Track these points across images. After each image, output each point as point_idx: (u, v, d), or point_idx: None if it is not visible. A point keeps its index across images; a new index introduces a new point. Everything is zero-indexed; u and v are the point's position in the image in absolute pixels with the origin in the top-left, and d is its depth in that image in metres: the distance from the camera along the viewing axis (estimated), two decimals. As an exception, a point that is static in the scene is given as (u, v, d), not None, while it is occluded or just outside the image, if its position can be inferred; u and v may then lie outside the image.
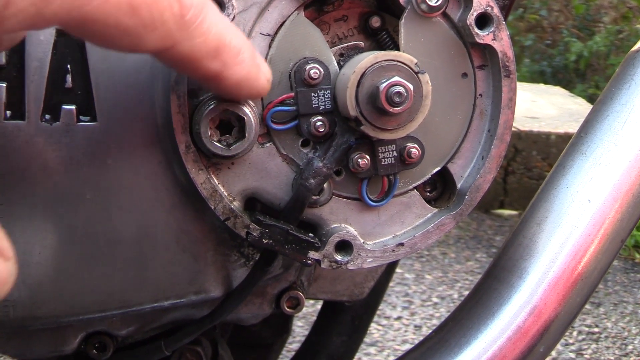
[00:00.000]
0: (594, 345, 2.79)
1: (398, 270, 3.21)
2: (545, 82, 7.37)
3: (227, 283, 0.89)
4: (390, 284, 3.11)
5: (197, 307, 0.93)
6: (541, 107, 4.07)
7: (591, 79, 7.72)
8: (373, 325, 2.83)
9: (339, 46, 0.86)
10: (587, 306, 3.06)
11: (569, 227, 1.00)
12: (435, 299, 3.03)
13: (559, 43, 8.43)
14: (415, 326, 2.84)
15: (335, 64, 0.82)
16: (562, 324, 0.99)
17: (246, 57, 0.68)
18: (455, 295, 3.07)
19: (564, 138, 3.61)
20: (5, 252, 0.57)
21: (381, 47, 0.87)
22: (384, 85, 0.76)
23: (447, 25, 0.85)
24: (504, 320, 0.97)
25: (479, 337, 0.97)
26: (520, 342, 0.97)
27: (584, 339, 2.83)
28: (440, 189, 0.90)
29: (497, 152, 0.86)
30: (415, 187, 0.87)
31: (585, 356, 2.72)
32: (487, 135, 0.86)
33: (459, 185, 0.87)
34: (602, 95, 1.10)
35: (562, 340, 2.79)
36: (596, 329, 2.90)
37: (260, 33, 0.81)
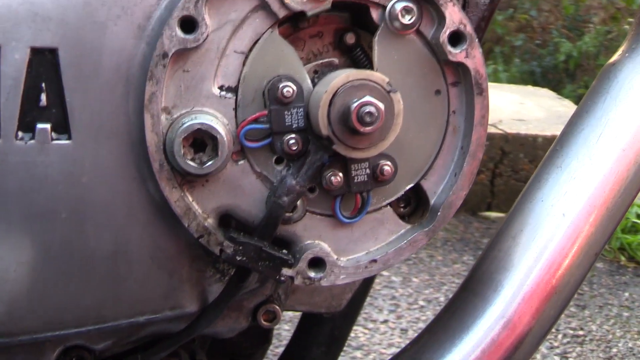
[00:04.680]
0: (578, 348, 2.81)
1: (385, 273, 3.22)
2: (535, 82, 7.39)
3: (203, 298, 0.90)
4: (377, 287, 3.12)
5: (173, 322, 0.93)
6: (529, 110, 4.09)
7: (581, 79, 7.74)
8: (359, 329, 2.84)
9: (314, 63, 0.87)
10: (572, 309, 3.08)
11: (543, 241, 1.01)
12: (421, 302, 3.04)
13: (549, 43, 8.45)
14: (402, 329, 2.85)
15: (309, 82, 0.83)
16: (536, 337, 1.00)
17: None
18: (442, 298, 3.08)
19: (551, 141, 3.61)
20: None
21: (356, 63, 0.88)
22: (355, 105, 0.77)
23: (421, 43, 0.86)
24: (479, 333, 0.98)
25: (453, 350, 0.98)
26: (494, 355, 0.98)
27: (568, 342, 2.84)
28: (414, 204, 0.90)
29: (470, 169, 0.87)
30: (389, 204, 0.88)
31: (570, 359, 2.74)
32: (460, 152, 0.87)
33: (432, 202, 0.88)
34: (578, 108, 1.11)
35: (547, 344, 2.81)
36: (581, 332, 2.91)
37: (234, 51, 0.82)
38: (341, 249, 0.87)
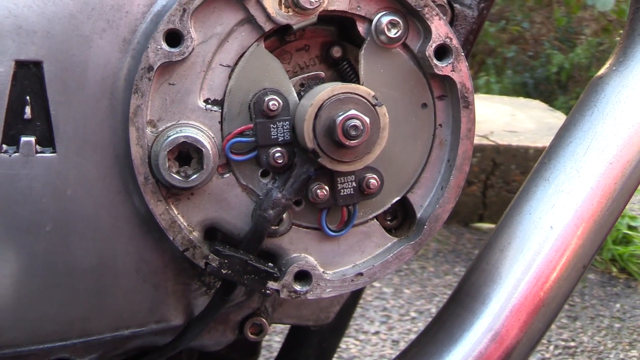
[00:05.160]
0: (570, 360, 2.81)
1: (376, 284, 3.22)
2: (528, 94, 7.41)
3: (189, 311, 0.89)
4: (368, 299, 3.11)
5: (159, 335, 0.93)
6: (520, 121, 4.10)
7: (573, 91, 7.77)
8: (350, 340, 2.83)
9: (300, 76, 0.86)
10: (564, 320, 3.08)
11: (531, 254, 1.01)
12: (413, 314, 3.04)
13: (541, 55, 8.49)
14: (393, 341, 2.85)
15: (295, 95, 0.83)
16: (524, 350, 1.00)
17: None
18: (434, 310, 3.08)
19: (542, 152, 3.63)
20: None
21: (342, 77, 0.88)
22: (341, 118, 0.77)
23: (407, 56, 0.86)
24: (466, 346, 0.98)
25: (441, 363, 0.98)
26: (482, 369, 0.98)
27: (560, 354, 2.84)
28: (401, 218, 0.90)
29: (456, 182, 0.87)
30: (375, 217, 0.87)
31: (562, 371, 2.74)
32: (447, 165, 0.87)
33: (418, 215, 0.88)
34: (566, 121, 1.11)
35: (539, 355, 2.80)
36: (572, 343, 2.91)
37: (220, 64, 0.82)
38: (327, 262, 0.86)
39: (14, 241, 0.82)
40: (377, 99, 0.79)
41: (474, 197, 3.79)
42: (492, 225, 3.86)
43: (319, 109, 0.78)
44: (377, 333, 2.91)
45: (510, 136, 3.85)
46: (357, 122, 0.77)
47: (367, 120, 0.77)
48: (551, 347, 2.88)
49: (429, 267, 3.45)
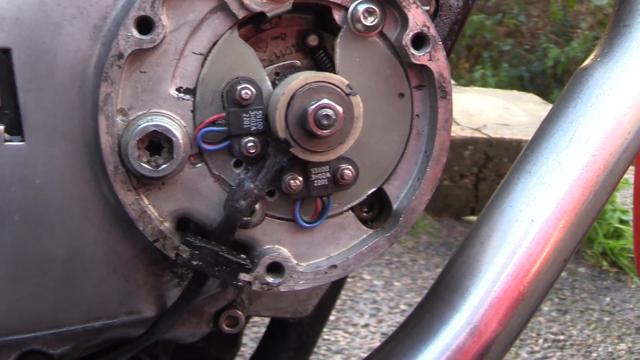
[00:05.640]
0: (559, 353, 2.81)
1: (367, 277, 3.21)
2: (523, 87, 7.40)
3: (161, 303, 0.88)
4: (359, 291, 3.11)
5: (132, 327, 0.92)
6: (513, 114, 4.09)
7: (568, 85, 7.75)
8: (339, 333, 2.82)
9: (275, 65, 0.85)
10: (554, 314, 3.08)
11: (511, 247, 0.99)
12: (403, 306, 3.03)
13: (537, 48, 8.48)
14: (382, 334, 2.84)
15: (269, 84, 0.81)
16: (503, 343, 0.99)
17: None
18: (424, 303, 3.07)
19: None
20: None
21: (319, 65, 0.86)
22: (313, 107, 0.75)
23: (384, 45, 0.84)
24: (445, 340, 0.97)
25: (418, 357, 0.96)
26: (459, 363, 0.96)
27: (549, 347, 2.84)
28: (377, 209, 0.89)
29: (433, 173, 0.85)
30: (351, 208, 0.86)
31: (551, 364, 2.73)
32: (424, 156, 0.86)
33: (394, 207, 0.87)
34: (550, 112, 1.10)
35: (528, 348, 2.80)
36: (562, 337, 2.91)
37: (193, 52, 0.80)
38: (301, 253, 0.85)
39: (-18, 231, 0.80)
40: (351, 88, 0.78)
41: (466, 190, 3.78)
42: (484, 219, 3.85)
43: (292, 97, 0.76)
44: (366, 325, 2.90)
45: (503, 129, 3.84)
46: (330, 112, 0.75)
47: (340, 109, 0.76)
48: (540, 341, 2.88)
49: (420, 259, 3.45)
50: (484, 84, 7.24)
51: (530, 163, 1.05)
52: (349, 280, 3.17)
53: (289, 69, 0.85)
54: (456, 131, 3.77)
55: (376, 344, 2.78)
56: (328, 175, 0.82)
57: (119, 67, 0.77)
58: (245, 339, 2.12)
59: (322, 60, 0.86)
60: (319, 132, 0.75)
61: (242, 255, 0.82)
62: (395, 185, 0.86)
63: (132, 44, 0.77)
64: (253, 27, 0.85)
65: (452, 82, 5.22)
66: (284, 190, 0.81)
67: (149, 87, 0.79)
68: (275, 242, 0.84)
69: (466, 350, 0.97)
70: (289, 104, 0.76)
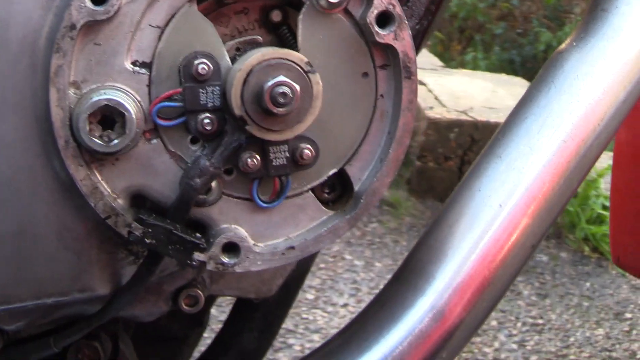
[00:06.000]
0: (536, 337, 2.81)
1: (348, 257, 3.20)
2: (514, 71, 7.37)
3: (115, 281, 0.86)
4: (339, 271, 3.10)
5: (88, 304, 0.90)
6: (501, 98, 4.07)
7: (559, 69, 7.73)
8: (318, 312, 2.82)
9: (237, 40, 0.83)
10: (534, 297, 3.08)
11: (478, 232, 0.98)
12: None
13: (530, 32, 8.44)
14: (361, 314, 2.82)
15: (228, 60, 0.79)
16: (467, 329, 0.98)
17: None
18: (404, 284, 3.06)
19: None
20: None
21: (282, 42, 0.84)
22: (269, 85, 0.73)
23: (349, 23, 0.82)
24: (407, 324, 0.95)
25: (380, 341, 0.95)
26: (421, 347, 0.95)
27: (527, 330, 2.84)
28: (339, 191, 0.87)
29: (395, 155, 0.83)
30: (312, 189, 0.84)
31: (528, 347, 2.74)
32: (387, 138, 0.84)
33: (356, 188, 0.85)
34: (523, 97, 1.08)
35: (506, 331, 2.81)
36: (540, 321, 2.92)
37: (150, 24, 0.78)
38: (259, 234, 0.83)
39: None
40: (311, 66, 0.76)
41: (450, 173, 3.77)
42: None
43: (248, 74, 0.74)
44: (345, 305, 2.90)
45: (489, 112, 3.82)
46: (286, 89, 0.73)
47: (298, 87, 0.74)
48: (519, 324, 2.88)
49: (402, 241, 3.44)
50: (475, 67, 7.20)
51: (501, 147, 1.03)
52: (330, 259, 3.16)
53: (250, 45, 0.82)
54: (442, 113, 3.75)
55: (354, 324, 2.76)
56: (287, 154, 0.80)
57: (71, 38, 0.74)
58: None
59: (285, 36, 0.84)
60: (275, 110, 0.73)
61: (198, 234, 0.80)
62: (357, 166, 0.84)
63: (85, 15, 0.74)
64: (215, 1, 0.82)
65: (441, 64, 5.19)
66: (241, 168, 0.79)
67: (103, 60, 0.77)
68: (233, 221, 0.82)
69: (429, 335, 0.96)
70: (245, 81, 0.74)
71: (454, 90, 4.10)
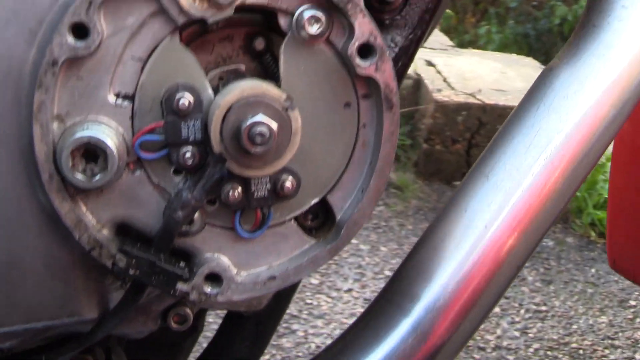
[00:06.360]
0: (539, 324, 2.82)
1: (353, 241, 3.21)
2: (529, 45, 7.29)
3: (103, 305, 0.88)
4: (344, 255, 3.11)
5: (80, 324, 0.92)
6: (510, 79, 4.04)
7: (574, 43, 7.64)
8: (322, 297, 2.84)
9: (219, 69, 0.83)
10: (538, 284, 3.09)
11: (463, 253, 0.99)
12: (387, 272, 3.04)
13: (545, 6, 8.34)
14: (365, 299, 2.85)
15: (210, 91, 0.80)
16: (451, 350, 0.99)
17: None
18: (408, 269, 3.08)
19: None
20: None
21: (265, 70, 0.84)
22: (246, 125, 0.74)
23: (331, 53, 0.82)
24: (390, 344, 0.97)
25: (363, 360, 0.97)
26: (405, 368, 0.97)
27: (530, 317, 2.85)
28: (322, 218, 0.88)
29: (376, 185, 0.84)
30: (294, 218, 0.85)
31: (530, 335, 2.75)
32: (369, 168, 0.85)
33: (338, 217, 0.86)
34: (512, 114, 1.07)
35: (509, 318, 2.82)
36: (544, 307, 2.93)
37: (132, 57, 0.78)
38: (242, 262, 0.85)
39: None
40: (290, 101, 0.76)
41: (457, 156, 3.77)
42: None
43: (227, 111, 0.75)
44: (349, 290, 2.92)
45: (498, 95, 3.80)
46: (264, 129, 0.74)
47: (275, 126, 0.75)
48: (522, 311, 2.90)
49: (408, 224, 3.45)
50: (488, 41, 7.13)
51: (488, 167, 1.03)
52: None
53: (232, 74, 0.83)
54: (450, 96, 3.73)
55: (358, 309, 2.80)
56: (268, 187, 0.81)
57: (53, 74, 0.75)
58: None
59: (268, 64, 0.84)
60: (253, 149, 0.74)
61: (181, 264, 0.82)
62: (339, 195, 0.85)
63: (66, 51, 0.75)
64: (199, 28, 0.83)
65: (451, 43, 5.14)
66: (223, 200, 0.81)
67: (86, 93, 0.78)
68: (216, 250, 0.84)
69: (413, 355, 0.97)
70: (224, 118, 0.75)
71: (463, 71, 4.07)
